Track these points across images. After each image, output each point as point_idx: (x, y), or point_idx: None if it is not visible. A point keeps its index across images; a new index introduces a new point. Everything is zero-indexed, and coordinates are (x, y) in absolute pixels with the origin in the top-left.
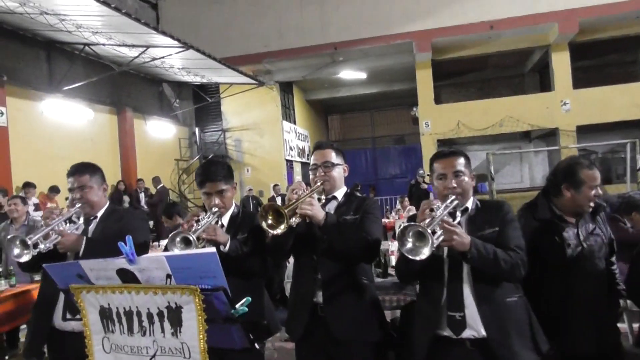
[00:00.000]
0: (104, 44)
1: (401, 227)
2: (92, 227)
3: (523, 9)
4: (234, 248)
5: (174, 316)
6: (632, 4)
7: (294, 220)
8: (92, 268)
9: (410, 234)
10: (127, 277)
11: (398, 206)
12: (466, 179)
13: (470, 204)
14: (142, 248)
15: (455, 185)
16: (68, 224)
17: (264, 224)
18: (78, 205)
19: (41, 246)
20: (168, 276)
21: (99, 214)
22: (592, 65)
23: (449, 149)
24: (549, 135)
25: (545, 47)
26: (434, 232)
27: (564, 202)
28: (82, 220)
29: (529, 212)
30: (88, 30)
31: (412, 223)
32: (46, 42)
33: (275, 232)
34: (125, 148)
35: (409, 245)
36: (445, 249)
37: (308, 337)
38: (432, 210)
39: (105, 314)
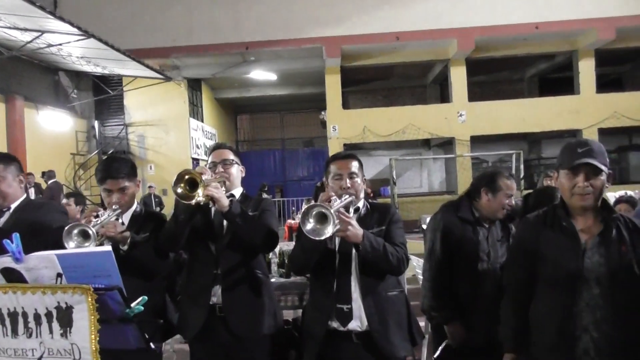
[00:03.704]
0: None
1: (305, 207)
2: (3, 218)
3: (426, 23)
4: (135, 245)
5: (64, 317)
6: (521, 28)
7: (201, 199)
8: None
9: (313, 214)
10: (12, 276)
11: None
12: (359, 180)
13: (361, 205)
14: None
15: (349, 185)
16: None
17: (174, 189)
18: None
19: None
20: (59, 275)
21: (13, 206)
22: (486, 80)
23: (345, 152)
24: (447, 144)
25: (445, 61)
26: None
27: (482, 204)
28: None
29: (451, 210)
30: None
31: (316, 203)
32: None
33: (186, 201)
34: (14, 139)
35: (311, 225)
36: (337, 244)
37: (205, 337)
38: (329, 201)
39: None
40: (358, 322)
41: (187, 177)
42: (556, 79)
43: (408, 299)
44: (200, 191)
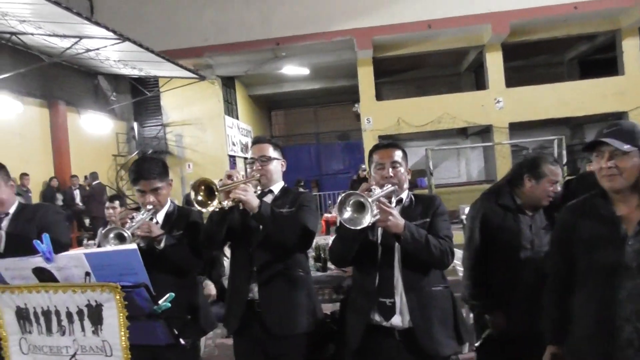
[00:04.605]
0: (32, 34)
1: (342, 196)
2: (4, 224)
3: (459, 9)
4: (170, 244)
5: (94, 314)
6: (559, 9)
7: (226, 204)
8: (7, 268)
9: (350, 203)
10: (44, 276)
11: None
12: (402, 170)
13: (404, 195)
14: (63, 247)
15: (392, 175)
16: None
17: (194, 198)
18: None
19: None
20: (87, 274)
21: (11, 211)
22: (523, 65)
23: (388, 141)
24: (484, 132)
25: (479, 47)
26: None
27: (525, 192)
28: None
29: (491, 197)
30: (15, 18)
31: (354, 192)
32: None
33: (204, 209)
34: (58, 143)
35: (348, 214)
36: (379, 236)
37: (245, 332)
38: (369, 191)
39: (22, 315)
40: (401, 317)
41: (202, 186)
42: (598, 60)
43: (454, 294)
44: (215, 201)
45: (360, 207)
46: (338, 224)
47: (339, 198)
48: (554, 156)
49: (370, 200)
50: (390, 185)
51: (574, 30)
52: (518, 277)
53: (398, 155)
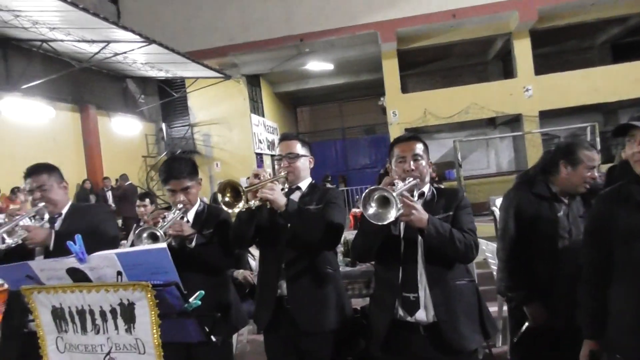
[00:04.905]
0: (62, 40)
1: (366, 191)
2: (57, 224)
3: None
4: (201, 242)
5: (127, 313)
6: None
7: (253, 203)
8: (43, 268)
9: (375, 198)
10: (77, 276)
11: None
12: (424, 163)
13: (426, 189)
14: (113, 241)
15: (413, 167)
16: (33, 221)
17: (221, 200)
18: (41, 204)
19: (9, 241)
20: (119, 273)
21: (64, 211)
22: (552, 51)
23: (408, 134)
24: (514, 121)
25: (507, 35)
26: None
27: (560, 179)
28: (47, 217)
29: (525, 186)
30: (45, 26)
31: (377, 187)
32: (1, 39)
33: (231, 209)
34: (90, 146)
35: (373, 210)
36: (402, 230)
37: (275, 328)
38: (392, 185)
39: (58, 314)
40: (425, 312)
41: (228, 188)
42: (631, 43)
43: (478, 288)
44: (242, 201)
45: (385, 202)
46: (360, 220)
47: (363, 194)
48: (589, 141)
49: (394, 194)
50: (412, 179)
51: (604, 13)
52: (556, 267)
53: (419, 148)
